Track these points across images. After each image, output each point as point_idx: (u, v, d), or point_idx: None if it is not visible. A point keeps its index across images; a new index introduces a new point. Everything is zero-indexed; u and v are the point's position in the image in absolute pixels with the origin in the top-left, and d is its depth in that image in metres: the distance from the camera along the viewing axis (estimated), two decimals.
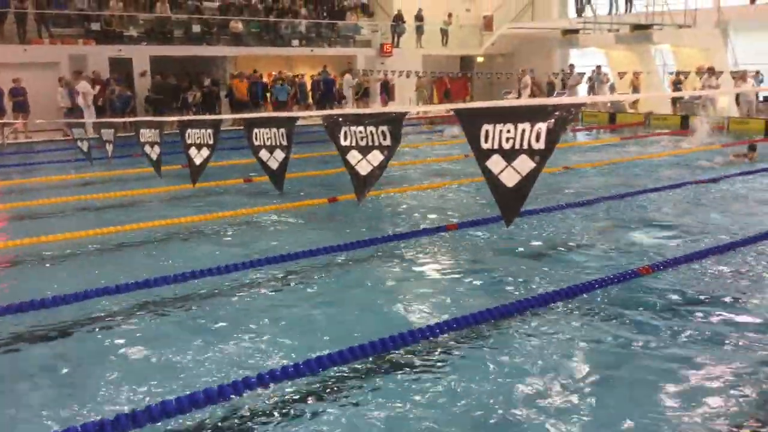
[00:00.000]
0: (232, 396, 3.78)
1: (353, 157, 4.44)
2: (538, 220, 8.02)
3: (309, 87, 23.70)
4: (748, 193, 9.93)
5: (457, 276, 6.14)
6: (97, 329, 4.97)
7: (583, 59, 25.83)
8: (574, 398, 3.87)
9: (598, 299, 5.35)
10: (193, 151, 6.37)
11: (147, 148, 7.55)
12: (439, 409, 3.77)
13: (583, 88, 23.85)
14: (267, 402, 3.84)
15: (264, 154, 5.51)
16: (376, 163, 4.34)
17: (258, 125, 5.51)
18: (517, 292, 5.59)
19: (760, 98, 20.04)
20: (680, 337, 4.69)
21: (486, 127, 3.49)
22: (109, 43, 21.00)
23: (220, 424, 3.63)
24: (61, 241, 7.17)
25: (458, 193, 10.19)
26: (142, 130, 7.44)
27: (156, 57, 21.57)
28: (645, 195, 9.56)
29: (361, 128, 4.33)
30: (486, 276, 6.12)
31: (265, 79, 22.98)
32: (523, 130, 3.33)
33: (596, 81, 23.21)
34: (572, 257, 6.67)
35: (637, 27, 22.74)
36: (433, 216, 8.51)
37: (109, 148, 10.46)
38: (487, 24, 29.19)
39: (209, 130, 6.24)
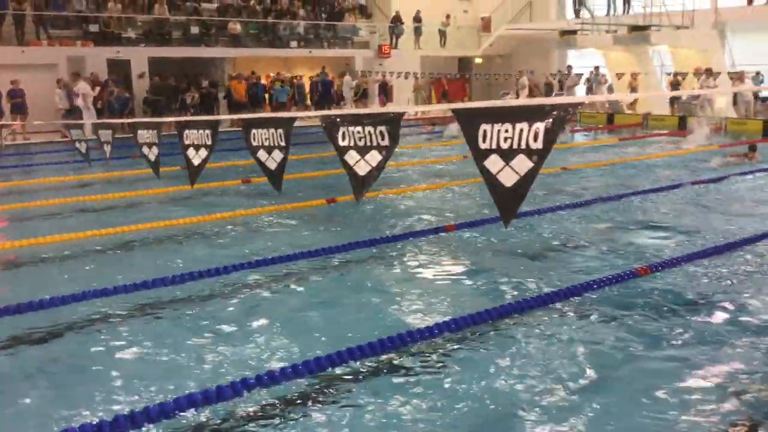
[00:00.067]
0: (231, 397, 3.77)
1: (351, 157, 4.45)
2: (536, 221, 8.03)
3: (307, 88, 23.73)
4: (746, 193, 9.95)
5: (455, 277, 6.14)
6: (95, 330, 4.96)
7: (581, 60, 25.86)
8: (572, 399, 3.87)
9: (597, 300, 5.35)
10: (191, 151, 6.38)
11: (145, 149, 7.56)
12: (437, 410, 3.76)
13: (580, 89, 23.88)
14: (265, 403, 3.83)
15: (262, 154, 5.52)
16: (374, 164, 4.35)
17: (256, 126, 5.52)
18: (515, 293, 5.58)
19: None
20: (679, 337, 4.69)
21: (484, 126, 3.50)
22: (107, 45, 21.01)
23: (218, 424, 3.63)
24: (59, 242, 7.17)
25: (457, 194, 10.20)
26: (140, 131, 7.45)
27: (154, 58, 21.58)
28: (643, 196, 9.57)
29: (359, 128, 4.34)
30: (484, 277, 6.13)
31: (263, 81, 22.99)
32: (521, 130, 3.34)
33: (594, 82, 23.24)
34: (570, 258, 6.67)
35: (634, 28, 22.78)
36: (431, 217, 8.51)
37: (107, 149, 10.47)
38: (485, 25, 29.24)
39: (207, 131, 6.25)
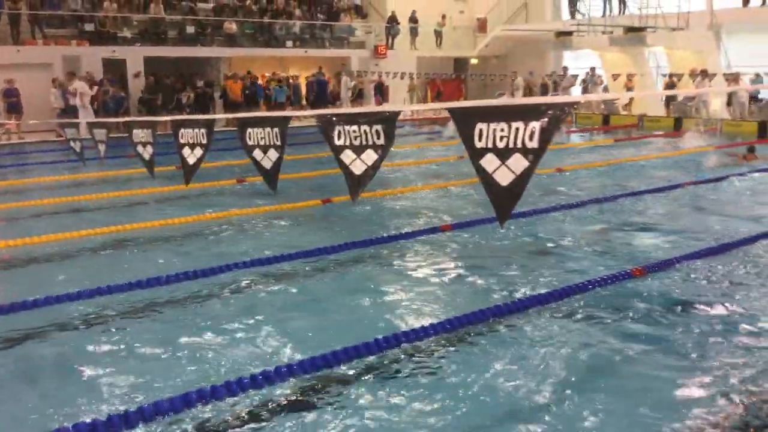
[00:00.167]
0: (226, 396, 3.76)
1: (347, 156, 4.45)
2: (531, 221, 8.03)
3: (303, 88, 23.72)
4: (742, 194, 9.97)
5: (451, 277, 6.13)
6: (89, 330, 4.95)
7: (577, 61, 25.90)
8: (569, 399, 3.87)
9: (592, 300, 5.35)
10: (186, 150, 6.37)
11: (140, 149, 7.54)
12: (434, 410, 3.76)
13: (576, 90, 23.92)
14: (260, 403, 3.82)
15: (258, 153, 5.52)
16: (370, 163, 4.34)
17: (251, 125, 5.51)
18: (510, 294, 5.58)
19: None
20: (674, 338, 4.69)
21: (480, 126, 3.50)
22: (102, 44, 20.97)
23: (213, 424, 3.62)
24: (53, 241, 7.14)
25: (453, 194, 10.19)
26: (134, 131, 7.44)
27: (150, 58, 21.54)
28: (638, 196, 9.58)
29: (354, 127, 4.33)
30: (480, 277, 6.12)
31: (259, 81, 22.98)
32: (517, 129, 3.34)
33: (590, 83, 23.29)
34: (566, 258, 6.67)
35: (630, 29, 22.82)
36: (427, 217, 8.51)
37: (102, 148, 10.45)
38: (481, 26, 29.26)
39: (202, 130, 6.24)
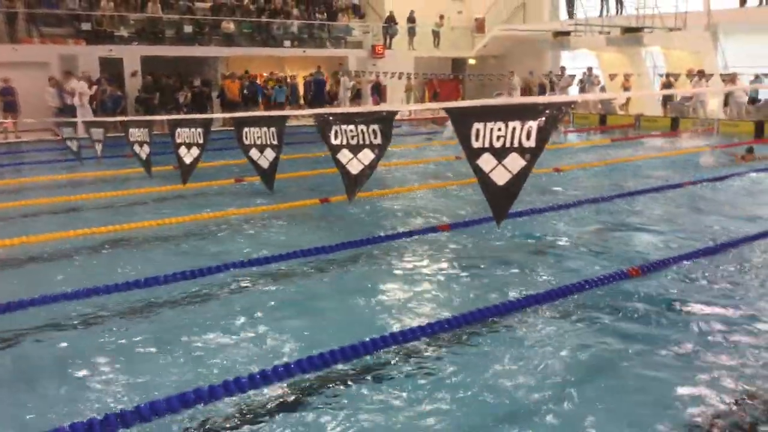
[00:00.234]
0: (224, 396, 3.75)
1: (344, 155, 4.45)
2: (529, 221, 8.04)
3: (301, 88, 23.72)
4: (740, 194, 9.99)
5: (448, 276, 6.13)
6: (85, 329, 4.95)
7: (575, 61, 25.92)
8: (564, 399, 3.87)
9: (588, 300, 5.35)
10: (183, 150, 6.36)
11: (137, 148, 7.53)
12: (429, 411, 3.76)
13: (574, 90, 23.94)
14: (258, 402, 3.82)
15: (254, 153, 5.52)
16: (366, 162, 4.34)
17: (248, 124, 5.51)
18: (507, 293, 5.58)
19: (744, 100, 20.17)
20: (671, 337, 4.70)
21: (477, 125, 3.50)
22: (99, 43, 20.94)
23: (210, 423, 3.61)
24: (50, 241, 7.13)
25: (450, 193, 10.20)
26: (131, 130, 7.43)
27: (147, 57, 21.51)
28: (635, 196, 9.59)
29: (351, 127, 4.33)
30: (477, 276, 6.12)
31: (258, 80, 22.99)
32: (514, 129, 3.34)
33: (587, 83, 23.31)
34: (562, 258, 6.68)
35: (627, 29, 22.85)
36: (424, 217, 8.51)
37: (99, 147, 10.43)
38: (479, 26, 29.27)
39: (199, 129, 6.23)
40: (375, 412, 3.73)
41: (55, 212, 9.06)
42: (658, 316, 5.06)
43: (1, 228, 8.28)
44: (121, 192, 10.10)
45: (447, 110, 3.84)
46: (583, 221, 8.22)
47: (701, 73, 20.24)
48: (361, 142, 4.32)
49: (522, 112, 3.37)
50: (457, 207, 9.14)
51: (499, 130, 3.42)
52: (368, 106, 21.93)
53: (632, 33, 22.75)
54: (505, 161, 3.43)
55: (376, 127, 4.23)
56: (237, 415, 3.70)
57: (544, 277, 5.99)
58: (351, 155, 4.39)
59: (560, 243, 7.21)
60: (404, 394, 3.91)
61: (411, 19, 27.08)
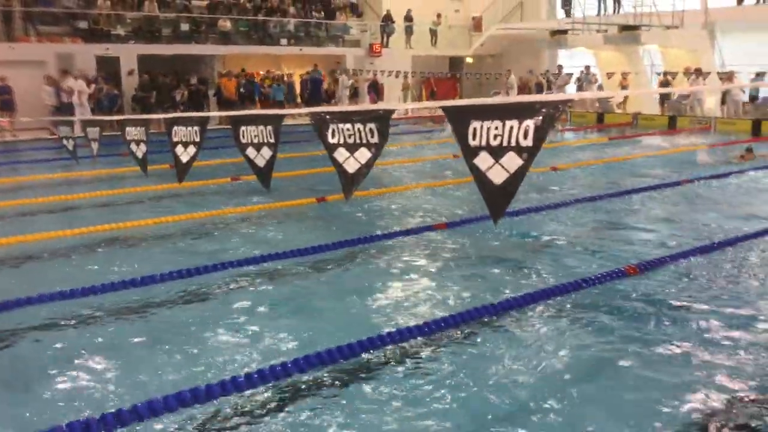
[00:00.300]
0: (220, 395, 3.75)
1: (341, 154, 4.44)
2: (526, 219, 8.04)
3: (298, 86, 23.70)
4: (738, 192, 10.00)
5: (445, 276, 6.12)
6: (82, 328, 4.93)
7: (572, 60, 25.93)
8: (561, 398, 3.87)
9: (586, 299, 5.35)
10: (179, 149, 6.34)
11: (133, 146, 7.51)
12: (426, 410, 3.75)
13: (571, 89, 23.94)
14: (255, 401, 3.82)
15: (251, 151, 5.50)
16: (363, 161, 4.34)
17: (245, 123, 5.49)
18: (504, 292, 5.57)
19: (746, 99, 20.21)
20: (668, 335, 4.70)
21: (474, 124, 3.49)
22: (96, 42, 20.89)
23: (207, 422, 3.61)
24: (46, 239, 7.11)
25: (448, 192, 10.19)
26: (128, 129, 7.41)
27: (143, 56, 21.47)
28: (633, 195, 9.60)
29: (348, 125, 4.32)
30: (474, 276, 6.12)
31: (255, 79, 22.98)
32: (511, 127, 3.34)
33: (585, 81, 23.32)
34: (560, 257, 6.68)
35: (625, 28, 22.86)
36: (421, 215, 8.51)
37: (95, 146, 10.42)
38: (476, 25, 29.25)
39: (196, 128, 6.21)
40: (372, 412, 3.72)
41: (51, 211, 9.04)
42: (655, 314, 5.06)
43: None
44: (117, 191, 10.08)
45: (444, 109, 3.83)
46: (580, 220, 8.22)
47: (698, 72, 20.25)
48: (358, 140, 4.31)
49: (519, 111, 3.36)
50: (454, 206, 9.14)
51: (497, 128, 3.41)
52: (365, 105, 21.94)
53: (629, 31, 22.76)
54: (502, 160, 3.43)
55: (373, 125, 4.22)
56: (234, 414, 3.69)
57: (541, 276, 5.99)
58: (348, 154, 4.38)
59: (557, 242, 7.21)
60: (401, 394, 3.90)
61: (408, 18, 27.06)
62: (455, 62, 29.51)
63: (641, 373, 4.15)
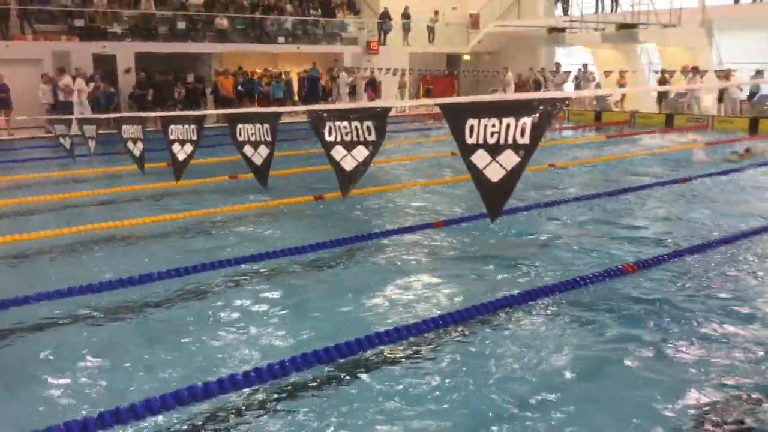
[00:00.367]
0: (218, 393, 3.74)
1: (338, 152, 4.43)
2: (523, 217, 8.04)
3: (295, 84, 23.67)
4: (735, 190, 10.00)
5: (442, 273, 6.12)
6: (81, 326, 4.92)
7: (570, 58, 25.93)
8: (559, 395, 3.87)
9: (583, 297, 5.35)
10: (176, 147, 6.33)
11: (130, 144, 7.50)
12: (420, 409, 3.75)
13: (569, 87, 23.94)
14: (253, 399, 3.81)
15: (248, 149, 5.49)
16: (360, 159, 4.33)
17: (242, 121, 5.48)
18: (502, 290, 5.57)
19: (743, 96, 20.25)
20: (665, 333, 4.71)
21: (471, 122, 3.49)
22: (92, 40, 20.82)
23: (205, 421, 3.60)
24: (43, 238, 7.09)
25: (446, 190, 10.19)
26: (125, 126, 7.39)
27: (140, 53, 21.42)
28: (630, 193, 9.60)
29: (345, 123, 4.31)
30: (472, 274, 6.11)
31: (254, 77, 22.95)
32: (508, 125, 3.33)
33: (582, 79, 23.32)
34: (558, 255, 6.68)
35: (622, 26, 22.87)
36: (419, 213, 8.50)
37: (92, 144, 10.39)
38: (474, 22, 29.23)
39: (192, 126, 6.20)
40: (370, 411, 3.72)
41: (47, 210, 9.02)
42: (654, 312, 5.06)
43: None
44: (114, 189, 10.06)
45: (441, 107, 3.82)
46: (578, 218, 8.22)
47: (695, 70, 20.27)
48: (355, 138, 4.30)
49: (516, 109, 3.36)
50: (452, 204, 9.14)
51: (494, 126, 3.41)
52: (363, 103, 21.92)
53: (627, 29, 22.77)
54: (500, 158, 3.42)
55: (370, 123, 4.21)
56: (232, 413, 3.69)
57: (539, 274, 5.99)
58: (345, 152, 4.37)
59: (555, 239, 7.21)
60: (399, 392, 3.90)
61: (406, 15, 27.02)
62: (453, 59, 29.50)
63: (638, 371, 4.16)
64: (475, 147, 3.51)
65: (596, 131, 20.00)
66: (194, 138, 6.15)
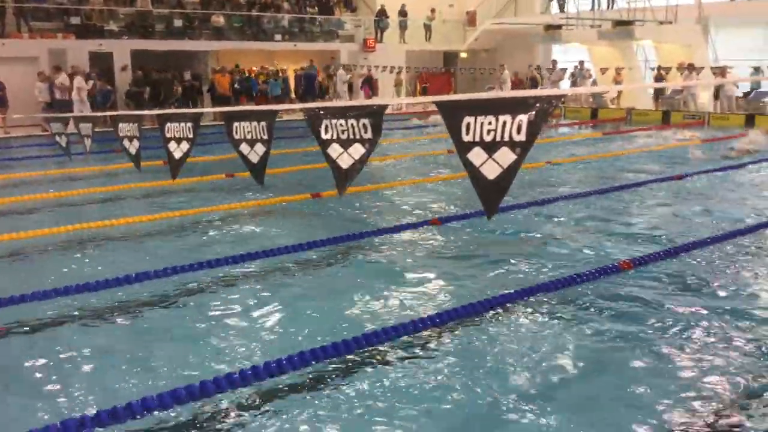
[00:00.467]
0: (215, 392, 3.74)
1: (334, 150, 4.43)
2: (520, 214, 8.05)
3: (292, 82, 23.65)
4: (731, 187, 10.02)
5: (439, 271, 6.12)
6: (75, 326, 4.92)
7: (566, 55, 25.93)
8: (556, 393, 3.88)
9: (579, 294, 5.37)
10: (172, 145, 6.32)
11: (126, 143, 7.48)
12: (416, 408, 3.76)
13: (565, 84, 23.96)
14: (250, 398, 3.81)
15: (245, 147, 5.48)
16: (357, 157, 4.32)
17: (238, 119, 5.48)
18: (499, 287, 5.58)
19: (739, 93, 20.28)
20: (661, 331, 4.72)
21: (467, 119, 3.49)
22: (89, 38, 20.78)
23: (202, 420, 3.60)
24: (39, 236, 7.08)
25: (442, 187, 10.20)
26: (121, 124, 7.38)
27: (137, 51, 21.39)
28: (627, 190, 9.61)
29: (342, 121, 4.31)
30: (469, 271, 6.12)
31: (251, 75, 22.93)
32: (504, 122, 3.33)
33: (579, 76, 23.33)
34: (554, 252, 6.69)
35: (619, 23, 22.87)
36: (415, 211, 8.51)
37: (87, 142, 10.37)
38: (471, 19, 29.23)
39: (189, 124, 6.19)
40: (366, 410, 3.73)
41: (43, 208, 9.01)
42: (649, 309, 5.07)
43: None
44: (110, 187, 10.06)
45: (437, 104, 3.83)
46: (574, 214, 8.23)
47: (691, 67, 20.30)
48: (351, 136, 4.30)
49: (512, 106, 3.36)
50: (449, 201, 9.15)
51: (490, 124, 3.41)
52: (360, 100, 21.89)
53: (623, 26, 22.78)
54: (496, 155, 3.42)
55: (366, 121, 4.21)
56: (230, 411, 3.69)
57: (534, 271, 6.00)
58: (341, 150, 4.37)
59: (551, 236, 7.22)
60: (395, 392, 3.91)
61: (402, 13, 27.01)
62: (449, 57, 29.49)
63: (635, 368, 4.16)
64: (472, 144, 3.51)
65: (593, 128, 20.02)
66: (191, 136, 6.14)
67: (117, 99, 20.38)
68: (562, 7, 26.38)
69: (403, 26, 27.17)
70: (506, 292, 5.29)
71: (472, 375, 4.07)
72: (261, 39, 24.24)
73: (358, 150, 4.32)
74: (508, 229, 7.44)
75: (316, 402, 3.77)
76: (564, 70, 24.22)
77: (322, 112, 4.53)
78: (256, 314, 5.10)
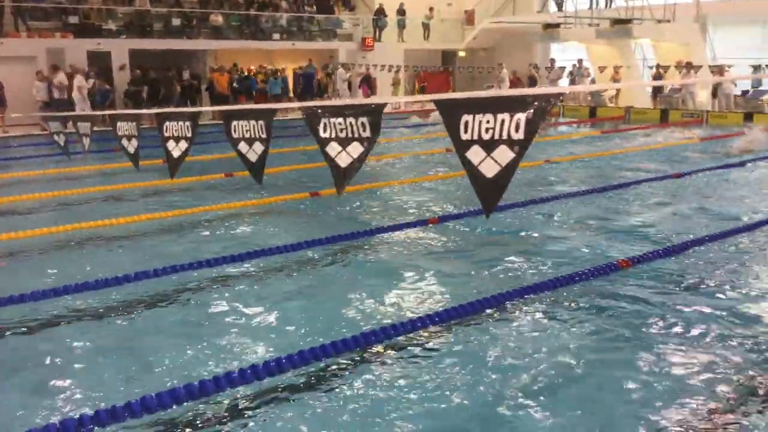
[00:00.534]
0: (214, 391, 3.74)
1: (333, 149, 4.42)
2: (519, 213, 8.05)
3: (291, 81, 23.64)
4: (728, 186, 10.03)
5: (438, 270, 6.13)
6: (76, 324, 4.92)
7: (564, 54, 25.93)
8: (554, 392, 3.88)
9: (577, 292, 5.37)
10: (171, 144, 6.31)
11: (124, 142, 7.48)
12: (413, 408, 3.76)
13: (564, 82, 23.96)
14: (250, 396, 3.82)
15: (243, 146, 5.48)
16: (355, 155, 4.32)
17: (236, 118, 5.47)
18: (497, 286, 5.58)
19: (738, 92, 20.30)
20: (660, 329, 4.72)
21: (465, 117, 3.49)
22: (87, 37, 20.75)
23: (201, 419, 3.60)
24: (38, 236, 7.08)
25: (440, 186, 10.20)
26: (119, 123, 7.37)
27: (135, 50, 21.37)
28: (626, 188, 9.62)
29: (340, 120, 4.31)
30: (468, 270, 6.13)
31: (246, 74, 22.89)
32: (503, 121, 3.33)
33: (577, 75, 23.33)
34: (552, 250, 6.69)
35: (617, 21, 22.88)
36: (414, 209, 8.51)
37: (86, 141, 10.35)
38: (469, 18, 29.23)
39: (187, 123, 6.18)
40: (363, 409, 3.73)
41: (42, 207, 9.00)
42: (648, 308, 5.07)
43: None
44: (108, 186, 10.05)
45: (436, 102, 3.83)
46: (572, 213, 8.23)
47: (690, 65, 20.31)
48: (349, 135, 4.30)
49: (511, 104, 3.36)
50: (448, 200, 9.15)
51: (488, 122, 3.41)
52: (359, 99, 21.86)
53: (622, 25, 22.79)
54: (494, 153, 3.42)
55: (364, 119, 4.21)
56: (229, 411, 3.69)
57: (533, 270, 6.00)
58: (340, 148, 4.36)
59: (550, 235, 7.22)
60: (390, 391, 3.91)
61: (401, 11, 27.01)
62: (448, 56, 29.48)
63: (634, 367, 4.17)
64: (470, 143, 3.51)
65: (591, 127, 20.03)
66: (189, 135, 6.13)
67: (115, 98, 20.35)
68: (560, 6, 26.37)
69: (401, 25, 27.16)
70: (505, 290, 5.29)
71: (471, 374, 4.07)
72: (259, 38, 24.23)
73: (356, 149, 4.32)
74: (507, 228, 7.45)
75: (316, 401, 3.77)
76: (562, 68, 24.23)
77: (320, 110, 4.53)
78: (255, 313, 5.10)
